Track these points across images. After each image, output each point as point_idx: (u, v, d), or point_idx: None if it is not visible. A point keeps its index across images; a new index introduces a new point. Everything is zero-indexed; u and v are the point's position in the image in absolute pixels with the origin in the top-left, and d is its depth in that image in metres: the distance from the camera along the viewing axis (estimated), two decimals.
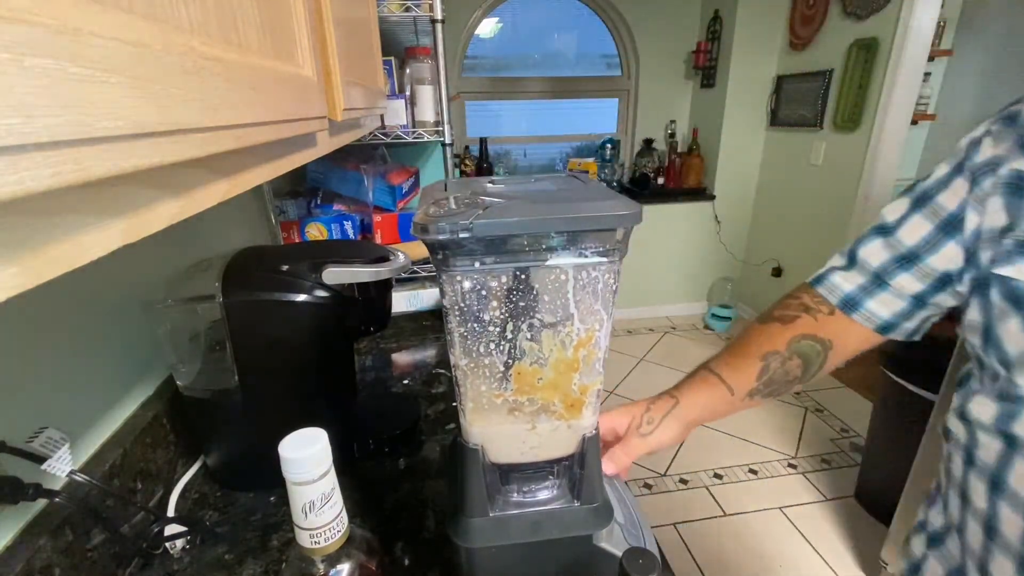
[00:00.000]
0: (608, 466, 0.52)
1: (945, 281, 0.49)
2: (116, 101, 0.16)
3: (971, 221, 0.46)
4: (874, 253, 0.54)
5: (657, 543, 0.53)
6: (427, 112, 1.34)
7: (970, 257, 0.46)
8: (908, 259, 0.51)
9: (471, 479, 0.46)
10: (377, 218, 1.33)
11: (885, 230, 0.53)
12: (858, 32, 2.33)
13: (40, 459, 0.47)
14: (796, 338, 0.55)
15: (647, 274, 3.30)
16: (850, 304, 0.55)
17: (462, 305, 0.40)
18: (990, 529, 0.45)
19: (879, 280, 0.53)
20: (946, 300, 0.51)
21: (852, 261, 0.56)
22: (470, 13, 2.88)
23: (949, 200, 0.48)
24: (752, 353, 0.56)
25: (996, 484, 0.44)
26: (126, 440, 0.61)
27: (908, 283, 0.51)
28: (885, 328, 0.54)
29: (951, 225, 0.48)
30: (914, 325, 0.54)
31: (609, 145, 3.09)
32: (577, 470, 0.48)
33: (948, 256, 0.48)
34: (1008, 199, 0.42)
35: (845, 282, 0.56)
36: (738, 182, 3.12)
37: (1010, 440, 0.43)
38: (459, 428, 0.48)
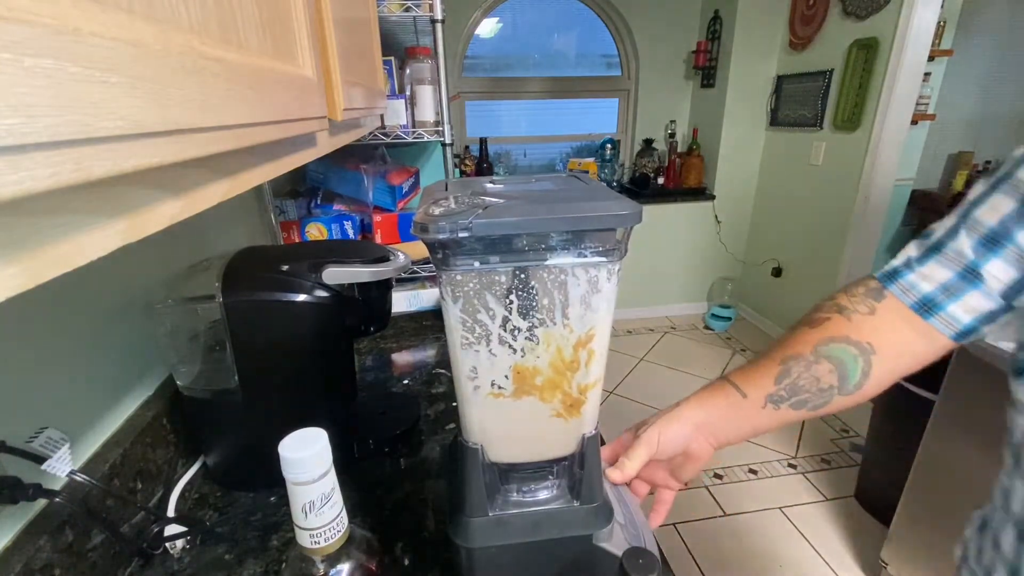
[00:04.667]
0: (615, 474, 0.51)
1: None
2: (116, 101, 0.16)
3: None
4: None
5: (657, 543, 0.53)
6: (427, 112, 1.34)
7: None
8: (994, 240, 0.42)
9: (471, 479, 0.46)
10: (377, 218, 1.33)
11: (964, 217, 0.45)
12: (858, 32, 2.33)
13: (40, 459, 0.47)
14: (823, 340, 0.49)
15: (647, 274, 3.30)
16: (928, 307, 0.46)
17: (462, 305, 0.40)
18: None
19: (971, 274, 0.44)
20: None
21: (934, 249, 0.47)
22: (470, 13, 2.88)
23: None
24: (771, 358, 0.51)
25: None
26: (126, 440, 0.61)
27: (1000, 271, 0.43)
28: (963, 335, 0.46)
29: None
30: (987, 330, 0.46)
31: (609, 145, 3.09)
32: (577, 470, 0.48)
33: None
34: None
35: (923, 281, 0.47)
36: (738, 182, 3.12)
37: None
38: (459, 428, 0.48)
